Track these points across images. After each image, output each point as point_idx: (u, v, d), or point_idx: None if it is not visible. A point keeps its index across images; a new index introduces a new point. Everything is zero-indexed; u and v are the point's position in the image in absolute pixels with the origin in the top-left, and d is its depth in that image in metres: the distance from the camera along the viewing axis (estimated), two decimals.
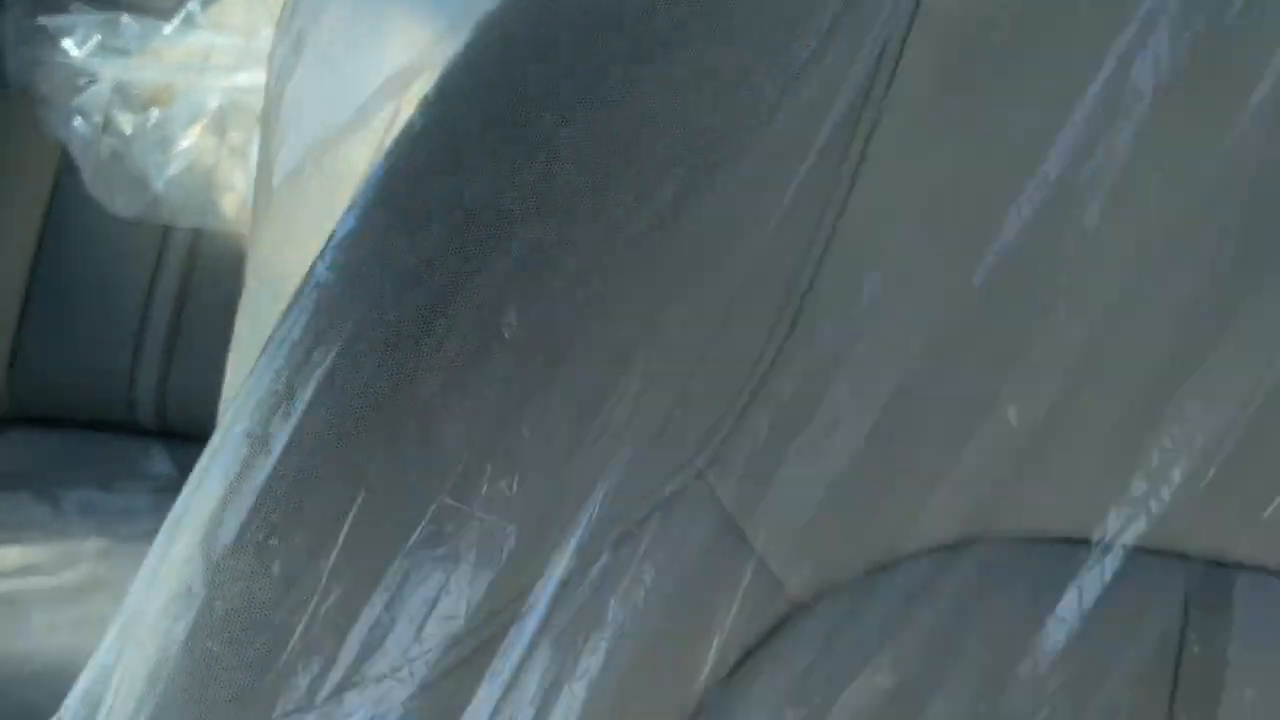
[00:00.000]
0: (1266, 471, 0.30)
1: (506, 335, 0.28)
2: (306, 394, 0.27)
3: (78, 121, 1.31)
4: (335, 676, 0.27)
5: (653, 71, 0.30)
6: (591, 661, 0.27)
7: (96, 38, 1.31)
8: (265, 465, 0.27)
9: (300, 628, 0.27)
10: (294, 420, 0.27)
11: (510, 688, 0.26)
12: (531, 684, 0.27)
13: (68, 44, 1.34)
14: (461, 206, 0.28)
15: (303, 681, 0.27)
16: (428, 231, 0.28)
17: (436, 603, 0.27)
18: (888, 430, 0.30)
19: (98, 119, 1.28)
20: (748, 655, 0.30)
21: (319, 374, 0.27)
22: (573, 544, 0.28)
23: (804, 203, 0.30)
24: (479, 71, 0.29)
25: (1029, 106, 0.29)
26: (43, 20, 1.32)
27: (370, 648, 0.27)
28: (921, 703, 0.30)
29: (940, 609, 0.31)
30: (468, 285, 0.28)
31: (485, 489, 0.28)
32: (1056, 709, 0.30)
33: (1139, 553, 0.30)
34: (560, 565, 0.28)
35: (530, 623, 0.27)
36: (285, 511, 0.27)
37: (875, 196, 0.30)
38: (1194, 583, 0.31)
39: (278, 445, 0.27)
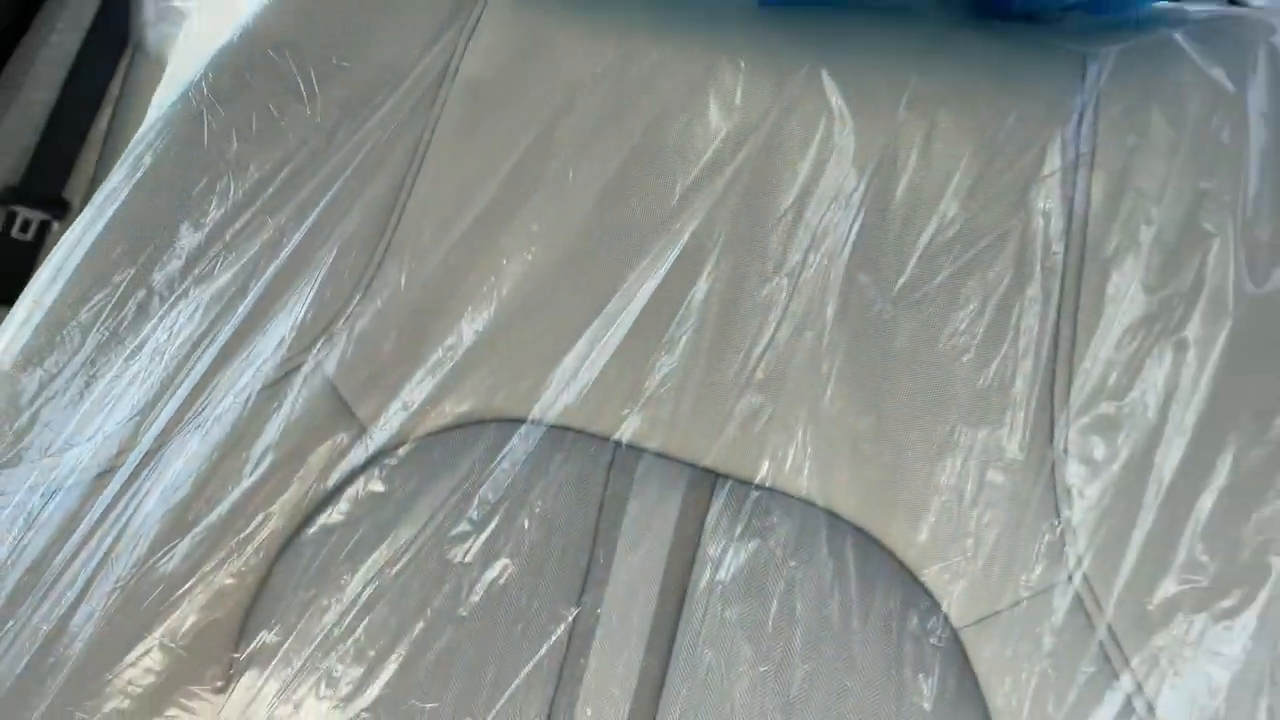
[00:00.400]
0: (629, 379, 0.46)
1: (190, 238, 0.47)
2: (78, 255, 0.47)
3: None
4: (58, 444, 0.46)
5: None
6: (193, 472, 0.46)
7: None
8: (53, 292, 0.47)
9: (44, 413, 0.47)
10: (75, 260, 0.47)
11: (133, 483, 0.45)
12: (148, 488, 0.45)
13: None
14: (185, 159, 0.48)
15: (40, 441, 0.46)
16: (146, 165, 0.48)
17: (110, 414, 0.46)
18: (414, 332, 0.47)
19: None
20: (343, 485, 0.48)
21: (87, 241, 0.47)
22: (209, 392, 0.47)
23: (388, 182, 0.48)
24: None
25: (515, 124, 0.47)
26: (176, 2, 1.59)
27: (73, 436, 0.46)
28: (440, 537, 0.47)
29: (448, 467, 0.48)
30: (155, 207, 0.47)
31: (150, 344, 0.46)
32: (500, 533, 0.47)
33: (563, 430, 0.47)
34: (194, 407, 0.46)
35: (161, 441, 0.46)
36: (56, 334, 0.47)
37: (432, 178, 0.48)
38: (614, 453, 0.47)
39: (59, 283, 0.47)
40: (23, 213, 1.66)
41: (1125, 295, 0.39)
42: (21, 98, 1.66)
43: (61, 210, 1.72)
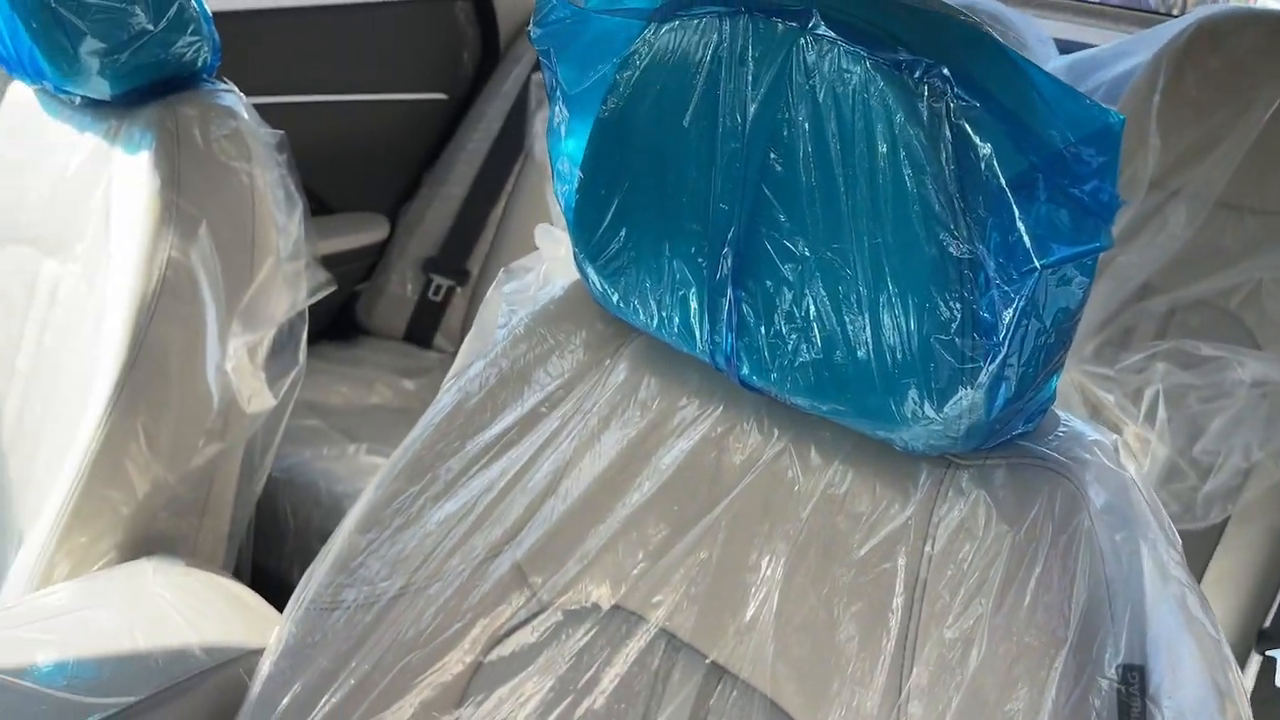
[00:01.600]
0: (677, 594, 0.74)
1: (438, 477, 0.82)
2: (397, 468, 0.83)
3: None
4: (373, 577, 0.83)
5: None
6: (425, 618, 0.80)
7: None
8: (381, 490, 0.84)
9: (369, 560, 0.83)
10: (396, 470, 0.83)
11: (409, 606, 0.80)
12: (414, 612, 0.80)
13: None
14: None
15: (365, 574, 0.83)
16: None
17: (401, 565, 0.82)
18: (563, 543, 0.79)
19: None
20: (511, 631, 0.81)
21: (399, 465, 0.83)
22: (449, 563, 0.81)
23: (557, 455, 0.80)
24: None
25: (623, 435, 0.77)
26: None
27: (381, 573, 0.82)
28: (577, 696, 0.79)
29: (588, 636, 0.79)
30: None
31: (423, 529, 0.81)
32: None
33: (639, 617, 0.76)
34: (441, 570, 0.81)
35: (424, 585, 0.81)
36: (380, 515, 0.83)
37: (580, 455, 0.79)
38: (668, 639, 0.76)
39: (383, 488, 0.83)
40: (436, 279, 2.17)
41: (943, 621, 0.62)
42: (444, 191, 2.17)
43: (464, 278, 2.21)
